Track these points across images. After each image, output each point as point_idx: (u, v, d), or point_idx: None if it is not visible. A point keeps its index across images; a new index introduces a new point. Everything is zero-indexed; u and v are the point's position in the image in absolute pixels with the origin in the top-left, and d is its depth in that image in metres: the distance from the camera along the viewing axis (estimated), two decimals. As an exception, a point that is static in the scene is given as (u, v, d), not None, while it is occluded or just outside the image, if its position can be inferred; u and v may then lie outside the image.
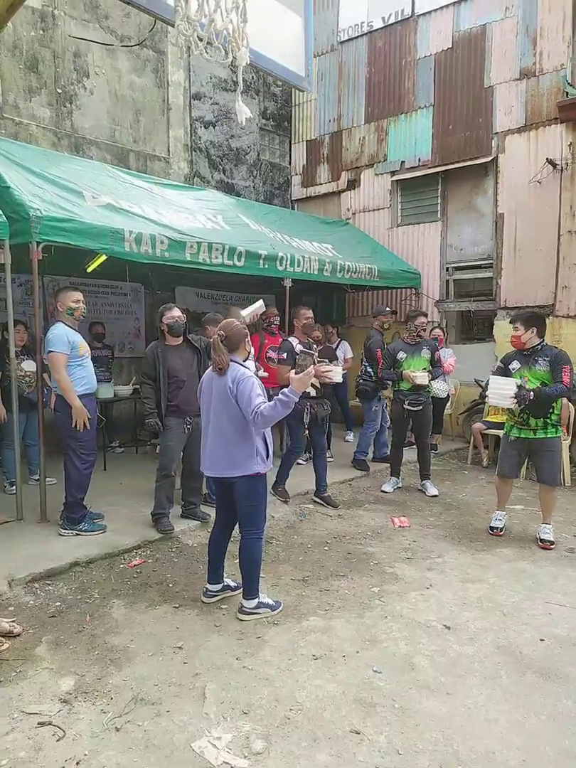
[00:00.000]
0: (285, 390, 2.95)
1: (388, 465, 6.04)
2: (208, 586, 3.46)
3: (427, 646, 3.02)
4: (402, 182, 8.44)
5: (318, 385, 4.92)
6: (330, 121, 9.22)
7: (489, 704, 2.58)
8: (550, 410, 4.37)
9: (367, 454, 6.41)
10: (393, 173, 8.48)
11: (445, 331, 7.71)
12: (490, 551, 4.33)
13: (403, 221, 8.53)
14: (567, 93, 7.00)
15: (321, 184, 9.44)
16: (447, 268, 8.11)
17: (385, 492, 5.68)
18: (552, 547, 4.41)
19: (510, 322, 4.54)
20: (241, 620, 3.24)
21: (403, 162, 8.39)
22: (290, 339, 5.16)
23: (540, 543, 4.46)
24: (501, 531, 4.67)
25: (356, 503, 5.45)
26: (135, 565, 3.92)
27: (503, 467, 4.63)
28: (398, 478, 5.89)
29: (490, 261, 7.71)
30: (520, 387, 4.24)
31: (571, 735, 2.38)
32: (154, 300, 7.69)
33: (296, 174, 9.75)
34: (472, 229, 7.88)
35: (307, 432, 5.31)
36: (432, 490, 5.67)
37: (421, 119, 8.15)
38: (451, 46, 7.85)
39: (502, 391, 4.28)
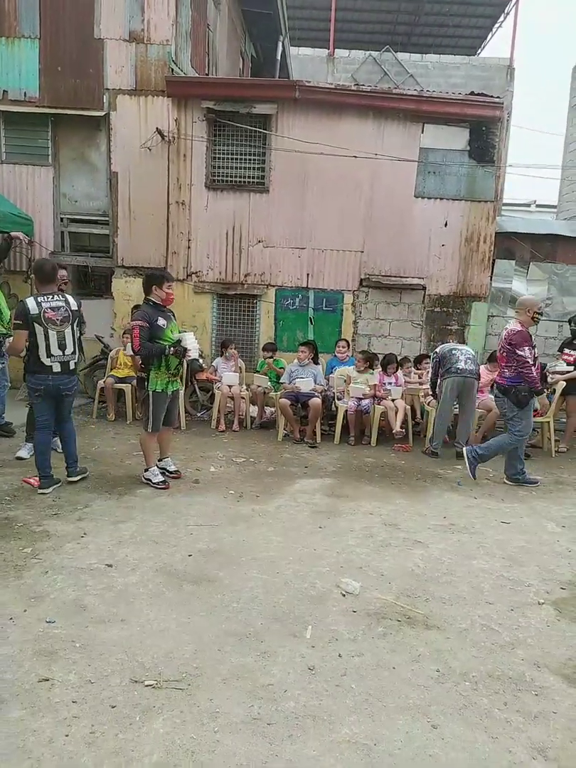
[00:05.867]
0: None
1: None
2: None
3: (94, 587, 3.15)
4: (5, 114, 7.63)
5: None
6: None
7: (159, 618, 2.92)
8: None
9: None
10: (-7, 101, 7.61)
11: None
12: (132, 493, 4.66)
13: (8, 158, 7.76)
14: (172, 70, 7.59)
15: None
16: (62, 219, 7.84)
17: (22, 458, 5.30)
18: (177, 477, 5.08)
19: (166, 281, 4.85)
20: None
21: (5, 92, 7.58)
22: None
23: (169, 474, 5.06)
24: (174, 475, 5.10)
25: (-20, 470, 4.97)
26: None
27: (162, 420, 4.92)
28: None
29: (107, 218, 7.83)
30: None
31: (224, 620, 2.94)
32: None
33: None
34: (87, 182, 7.82)
35: None
36: (64, 446, 5.62)
37: (26, 50, 7.51)
38: (57, -21, 7.43)
39: (194, 345, 4.72)
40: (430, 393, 6.87)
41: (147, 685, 2.39)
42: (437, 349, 6.69)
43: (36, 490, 4.53)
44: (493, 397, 6.74)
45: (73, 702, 2.26)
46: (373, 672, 2.57)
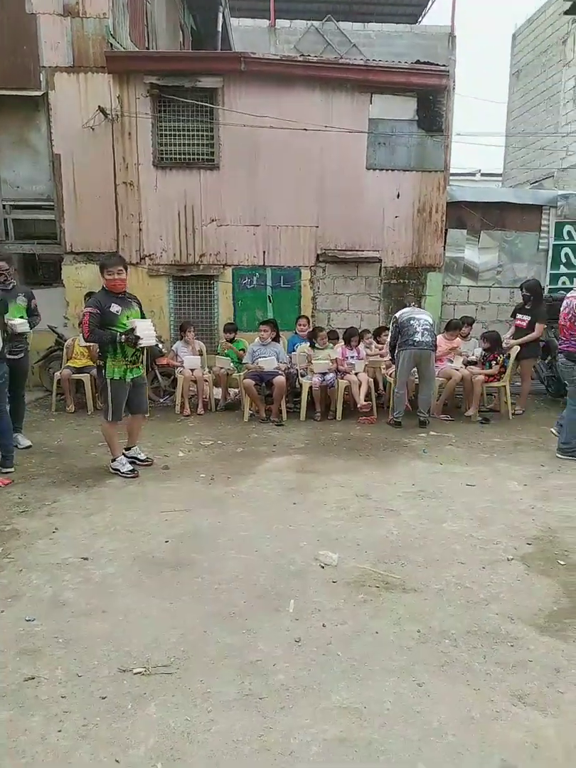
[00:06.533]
0: None
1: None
2: None
3: (72, 581, 3.12)
4: None
5: None
6: None
7: (141, 606, 2.91)
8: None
9: None
10: None
11: None
12: (102, 484, 4.60)
13: None
14: (111, 45, 7.29)
15: None
16: (4, 206, 7.51)
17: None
18: (149, 464, 5.03)
19: (118, 267, 4.68)
20: None
21: None
22: None
23: (138, 462, 5.01)
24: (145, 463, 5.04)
25: None
26: None
27: (122, 409, 4.85)
28: None
29: (51, 202, 7.54)
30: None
31: (208, 602, 2.95)
32: None
33: None
34: (29, 166, 7.51)
35: None
36: (25, 442, 5.48)
37: (-47, 27, 7.08)
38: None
39: (149, 332, 4.55)
40: (389, 357, 6.98)
41: (136, 673, 2.39)
42: (396, 315, 6.74)
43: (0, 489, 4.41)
44: (461, 365, 6.92)
45: (62, 697, 2.25)
46: (357, 638, 2.64)
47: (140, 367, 4.90)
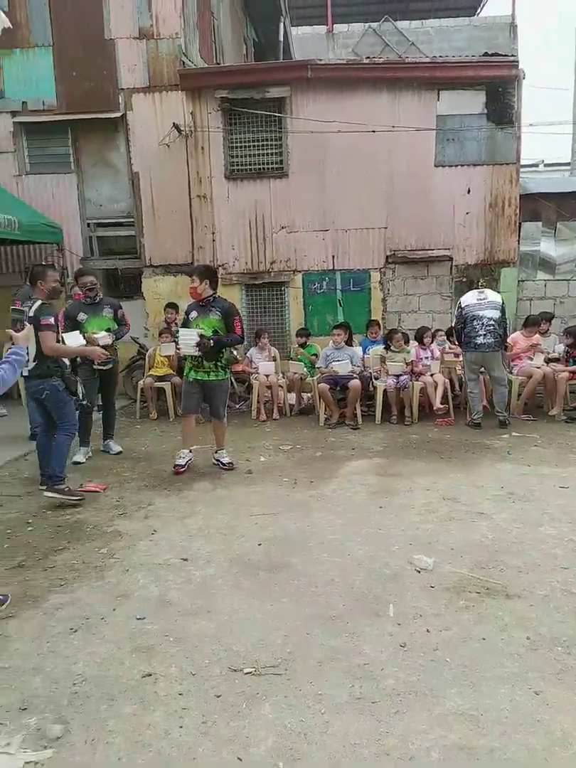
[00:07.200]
0: (14, 349, 2.85)
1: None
2: None
3: (175, 581, 3.23)
4: (27, 126, 7.70)
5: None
6: None
7: (243, 607, 2.98)
8: (220, 355, 4.97)
9: None
10: (13, 113, 7.64)
11: None
12: (190, 488, 4.74)
13: (32, 169, 7.85)
14: (184, 63, 7.54)
15: None
16: (89, 224, 7.91)
17: (79, 462, 5.37)
18: (233, 467, 5.14)
19: (188, 275, 4.89)
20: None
21: (24, 103, 7.64)
22: None
23: (223, 466, 5.12)
24: (183, 469, 5.08)
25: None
26: None
27: (187, 405, 5.14)
28: (89, 446, 5.58)
29: (132, 219, 7.87)
30: (201, 336, 4.68)
31: (306, 604, 2.99)
32: None
33: None
34: (110, 185, 7.87)
35: None
36: (116, 448, 5.72)
37: (41, 59, 7.54)
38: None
39: (187, 340, 4.67)
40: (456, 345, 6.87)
41: (246, 673, 2.45)
42: (462, 301, 6.52)
43: (98, 493, 4.62)
44: (542, 363, 6.68)
45: (180, 694, 2.33)
46: (463, 644, 2.59)
47: (209, 372, 4.97)
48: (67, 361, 4.49)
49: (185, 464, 5.13)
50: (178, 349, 4.91)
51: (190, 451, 5.24)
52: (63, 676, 2.45)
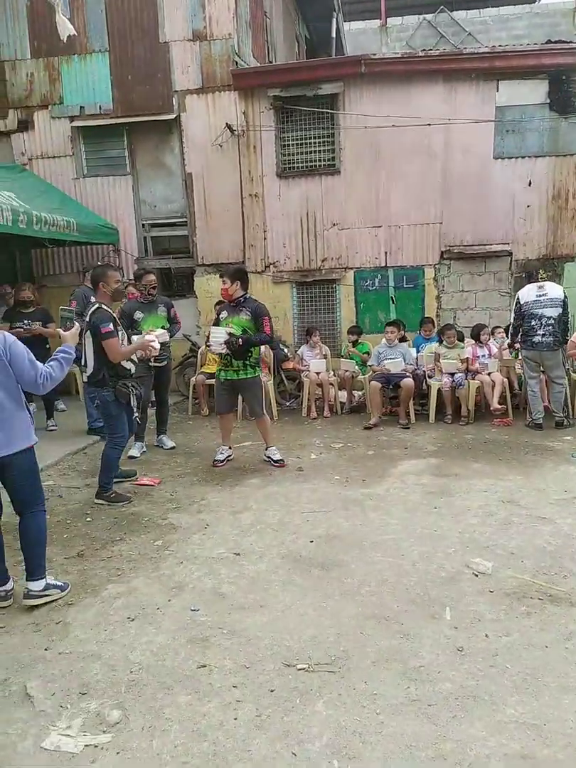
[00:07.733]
0: (63, 347, 2.81)
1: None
2: None
3: (228, 575, 3.25)
4: (84, 130, 7.95)
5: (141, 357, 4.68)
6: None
7: (295, 603, 2.97)
8: (249, 354, 5.00)
9: None
10: (72, 118, 7.91)
11: None
12: (242, 484, 4.77)
13: (89, 172, 8.10)
14: (236, 63, 7.60)
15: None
16: (143, 225, 8.09)
17: (134, 456, 5.49)
18: (284, 465, 5.14)
19: (219, 277, 4.95)
20: (29, 607, 2.92)
21: (82, 107, 7.89)
22: None
23: (274, 463, 5.14)
24: (223, 462, 5.22)
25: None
26: None
27: (220, 405, 5.26)
28: (143, 442, 5.70)
29: (185, 219, 8.00)
30: (230, 335, 4.74)
31: (359, 603, 2.95)
32: None
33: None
34: (164, 185, 8.01)
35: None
36: (169, 443, 5.83)
37: (98, 64, 7.76)
38: (121, -9, 7.61)
39: (217, 338, 4.77)
40: (511, 342, 6.62)
41: (300, 669, 2.43)
42: (520, 295, 6.29)
43: (152, 487, 4.72)
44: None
45: (234, 687, 2.34)
46: (525, 652, 2.49)
47: (238, 371, 5.00)
48: (132, 367, 4.47)
49: (224, 459, 5.26)
50: (208, 345, 4.97)
51: (230, 448, 5.36)
52: (121, 664, 2.50)
